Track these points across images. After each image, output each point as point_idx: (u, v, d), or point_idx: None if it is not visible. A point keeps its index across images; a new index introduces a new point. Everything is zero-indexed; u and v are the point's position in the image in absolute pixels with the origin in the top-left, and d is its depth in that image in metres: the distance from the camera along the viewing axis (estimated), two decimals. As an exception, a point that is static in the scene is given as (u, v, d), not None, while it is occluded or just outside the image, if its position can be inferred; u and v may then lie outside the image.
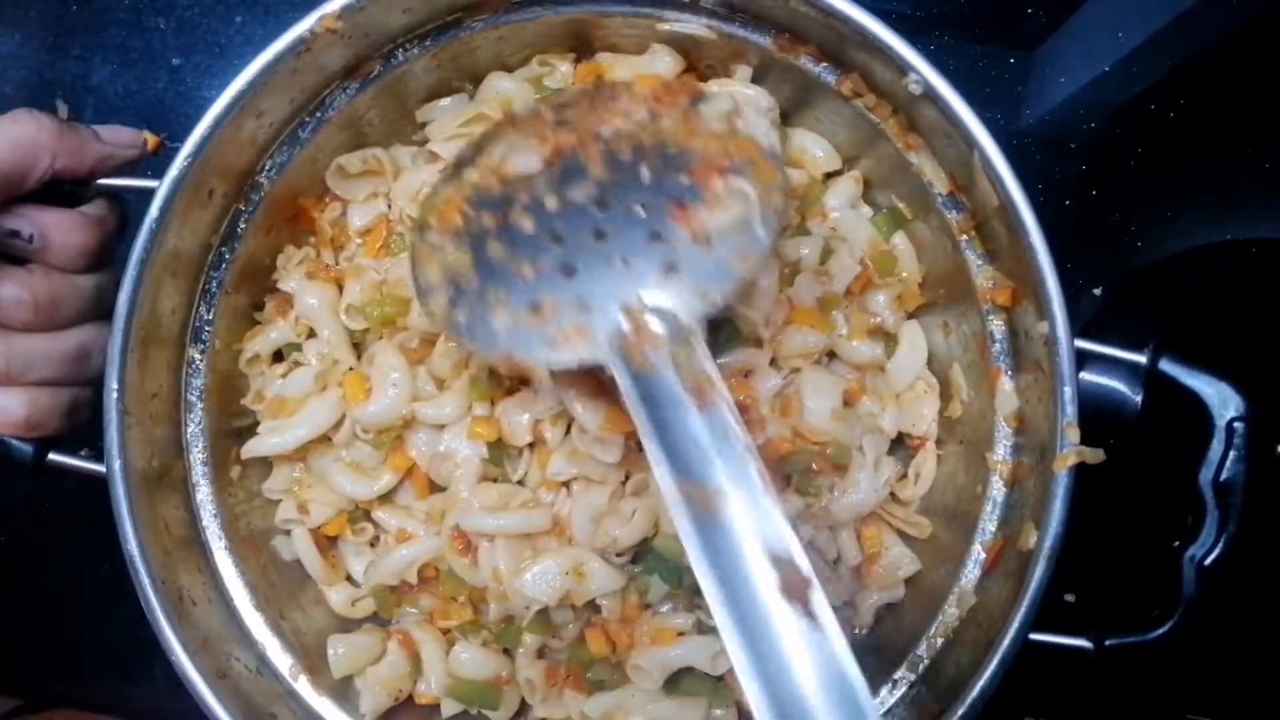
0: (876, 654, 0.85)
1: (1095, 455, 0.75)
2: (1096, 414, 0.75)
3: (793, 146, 0.88)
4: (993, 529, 0.81)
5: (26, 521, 1.06)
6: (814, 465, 0.83)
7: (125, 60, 1.00)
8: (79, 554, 1.00)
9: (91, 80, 1.00)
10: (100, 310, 0.78)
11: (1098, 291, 0.97)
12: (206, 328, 0.83)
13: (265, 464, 0.88)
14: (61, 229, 0.75)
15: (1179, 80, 0.96)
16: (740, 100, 0.75)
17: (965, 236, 0.82)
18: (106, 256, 0.79)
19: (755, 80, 0.86)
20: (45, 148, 0.73)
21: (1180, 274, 0.95)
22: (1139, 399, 0.88)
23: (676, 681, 0.84)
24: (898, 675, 0.82)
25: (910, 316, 0.89)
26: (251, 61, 0.73)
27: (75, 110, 1.00)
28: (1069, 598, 0.88)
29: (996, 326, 0.82)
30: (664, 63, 0.85)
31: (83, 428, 0.78)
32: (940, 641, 0.81)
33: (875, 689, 0.82)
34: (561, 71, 0.87)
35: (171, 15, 1.00)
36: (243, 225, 0.83)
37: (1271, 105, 0.96)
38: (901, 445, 0.90)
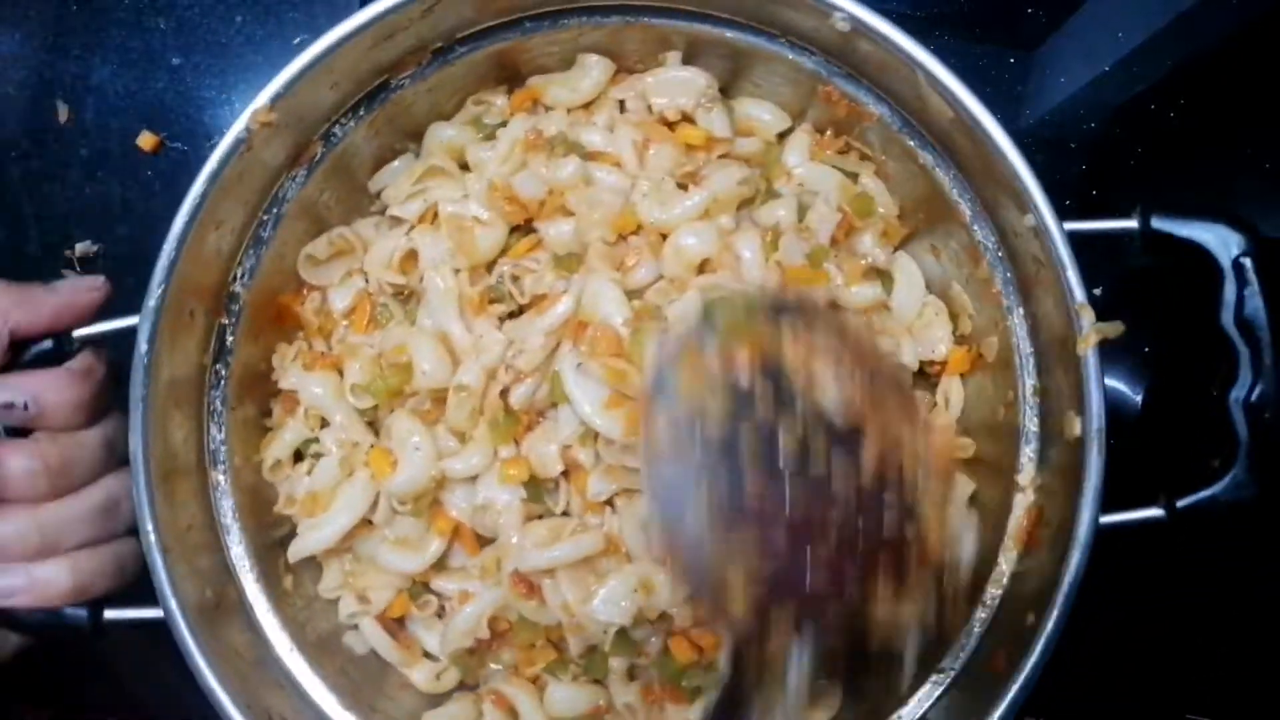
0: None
1: (1115, 329, 0.75)
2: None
3: (740, 116, 0.89)
4: (1034, 429, 0.81)
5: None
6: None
7: (125, 60, 1.00)
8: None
9: (91, 80, 1.00)
10: (114, 458, 0.77)
11: (1098, 291, 0.98)
12: (222, 448, 0.82)
13: (315, 566, 0.88)
14: (53, 389, 0.74)
15: (1179, 80, 0.96)
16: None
17: (931, 158, 0.83)
18: (104, 406, 0.78)
19: (686, 63, 0.86)
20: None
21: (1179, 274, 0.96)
22: (1139, 398, 0.88)
23: (771, 663, 0.83)
24: (986, 598, 0.82)
25: (898, 249, 0.90)
26: (200, 172, 0.73)
27: (75, 110, 0.99)
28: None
29: (986, 237, 0.83)
30: (596, 70, 0.85)
31: (135, 579, 0.77)
32: (1015, 553, 0.81)
33: (967, 616, 0.82)
34: (497, 106, 0.87)
35: (172, 15, 1.00)
36: (230, 338, 0.82)
37: (1272, 105, 0.97)
38: (924, 376, 0.90)
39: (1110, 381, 0.87)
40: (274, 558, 0.84)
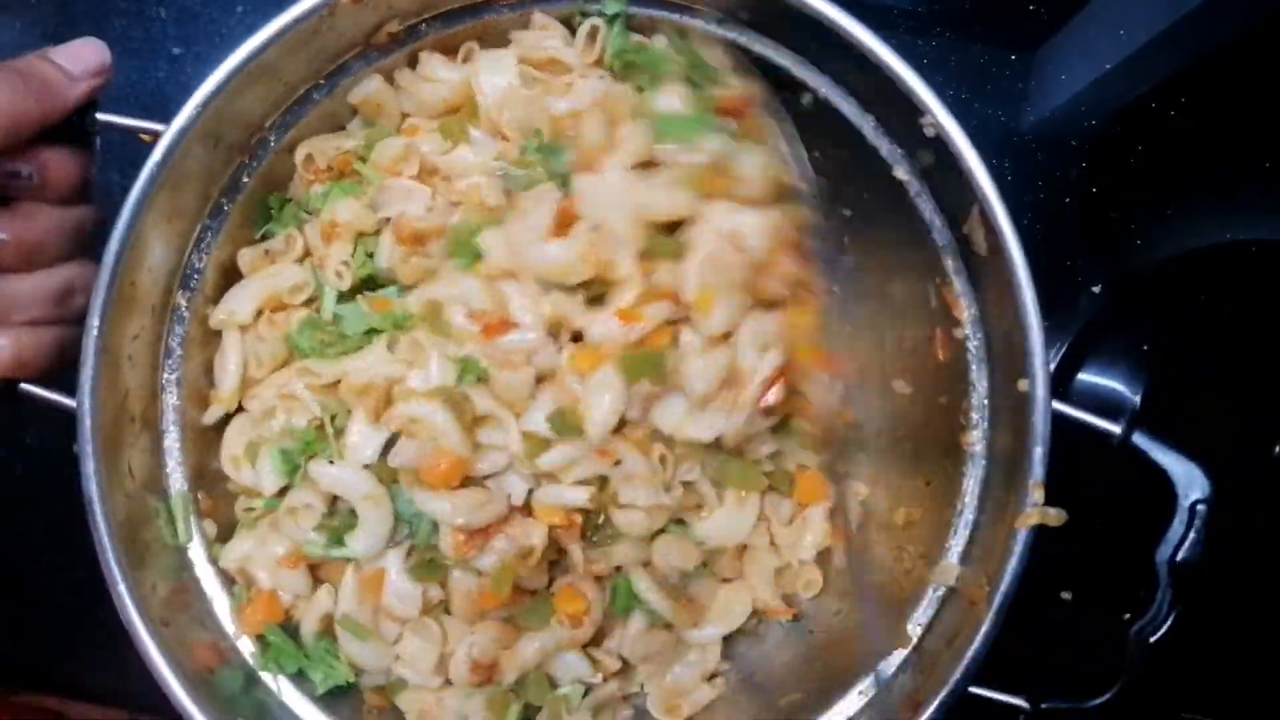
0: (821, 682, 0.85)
1: (1058, 517, 0.75)
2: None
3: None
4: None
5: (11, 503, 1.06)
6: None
7: (126, 50, 0.99)
8: (71, 540, 0.99)
9: (92, 69, 1.00)
10: (81, 247, 0.78)
11: (1097, 290, 0.97)
12: (196, 276, 0.83)
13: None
14: (60, 167, 0.74)
15: (1181, 80, 0.96)
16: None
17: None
18: (86, 191, 0.78)
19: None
20: (27, 113, 0.71)
21: (1180, 274, 0.95)
22: (1137, 398, 0.87)
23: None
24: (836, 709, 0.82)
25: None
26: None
27: None
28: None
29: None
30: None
31: (68, 368, 0.78)
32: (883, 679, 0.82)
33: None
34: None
35: (172, 5, 1.00)
36: (246, 178, 0.83)
37: (1273, 106, 0.96)
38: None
39: (1110, 382, 0.87)
40: (202, 394, 0.85)
